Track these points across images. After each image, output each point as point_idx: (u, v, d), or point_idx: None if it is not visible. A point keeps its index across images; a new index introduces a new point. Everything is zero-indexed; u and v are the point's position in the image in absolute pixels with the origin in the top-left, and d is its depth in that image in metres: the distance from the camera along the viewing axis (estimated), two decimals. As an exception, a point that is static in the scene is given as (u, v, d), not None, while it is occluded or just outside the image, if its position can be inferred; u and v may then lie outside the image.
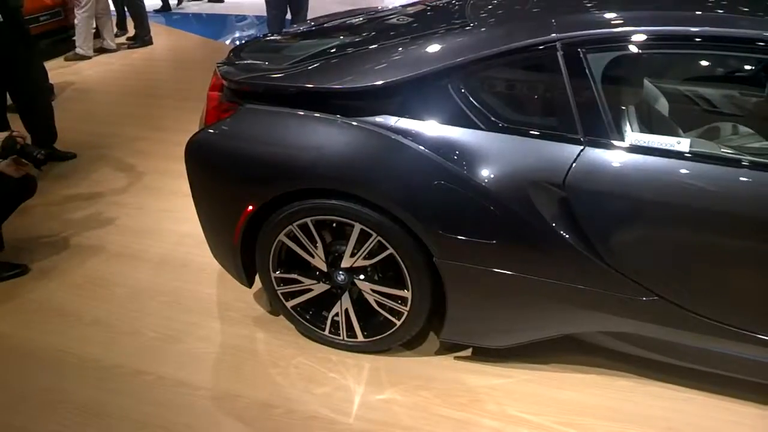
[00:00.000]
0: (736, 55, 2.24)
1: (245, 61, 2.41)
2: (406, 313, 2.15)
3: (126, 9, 7.34)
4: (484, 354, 2.25)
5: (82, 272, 2.90)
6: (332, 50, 2.29)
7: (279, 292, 2.30)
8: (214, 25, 8.84)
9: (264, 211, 2.14)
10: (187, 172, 2.30)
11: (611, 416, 2.01)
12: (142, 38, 7.09)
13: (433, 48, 2.05)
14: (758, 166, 1.75)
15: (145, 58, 6.83)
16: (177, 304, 2.65)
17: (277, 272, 2.26)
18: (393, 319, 2.19)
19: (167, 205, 3.50)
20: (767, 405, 2.02)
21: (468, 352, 2.29)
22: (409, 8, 2.74)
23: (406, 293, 2.10)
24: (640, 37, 1.83)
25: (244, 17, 8.94)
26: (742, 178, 1.74)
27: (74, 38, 6.57)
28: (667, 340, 1.96)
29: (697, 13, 1.90)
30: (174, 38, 7.77)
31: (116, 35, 7.27)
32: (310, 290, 2.27)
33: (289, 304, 2.32)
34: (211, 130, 2.23)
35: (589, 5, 2.13)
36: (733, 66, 2.70)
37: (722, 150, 1.93)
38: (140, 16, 7.06)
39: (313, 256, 2.18)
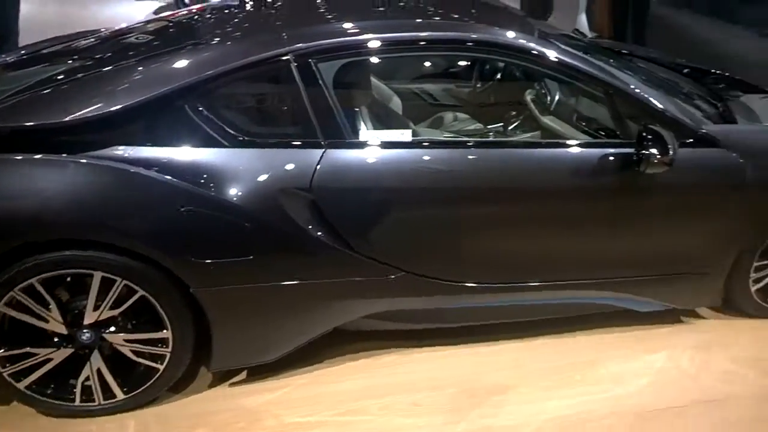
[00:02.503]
0: (451, 54, 2.72)
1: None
2: (169, 355, 2.00)
3: None
4: (259, 371, 2.23)
5: None
6: (57, 78, 2.03)
7: (6, 374, 1.91)
8: None
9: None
10: None
11: (381, 392, 2.20)
12: None
13: (166, 68, 1.98)
14: (479, 144, 2.17)
15: None
16: None
17: (1, 351, 1.87)
18: (155, 365, 2.02)
19: None
20: (511, 340, 2.44)
21: (243, 375, 2.25)
22: (149, 26, 2.56)
23: (166, 333, 1.97)
24: (366, 44, 2.07)
25: None
26: (469, 157, 2.10)
27: None
28: (420, 308, 2.24)
29: (417, 20, 2.23)
30: None
31: None
32: (49, 360, 1.93)
33: (23, 384, 1.94)
34: None
35: (320, 17, 2.31)
36: (450, 63, 3.29)
37: (445, 135, 2.30)
38: None
39: (47, 321, 1.87)
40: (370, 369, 2.31)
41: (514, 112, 2.85)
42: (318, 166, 1.95)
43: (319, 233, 1.98)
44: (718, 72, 3.32)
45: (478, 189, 2.11)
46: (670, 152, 2.02)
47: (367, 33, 2.09)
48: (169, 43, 2.24)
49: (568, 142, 2.29)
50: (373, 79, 2.65)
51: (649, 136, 2.06)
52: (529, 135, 2.62)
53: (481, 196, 2.12)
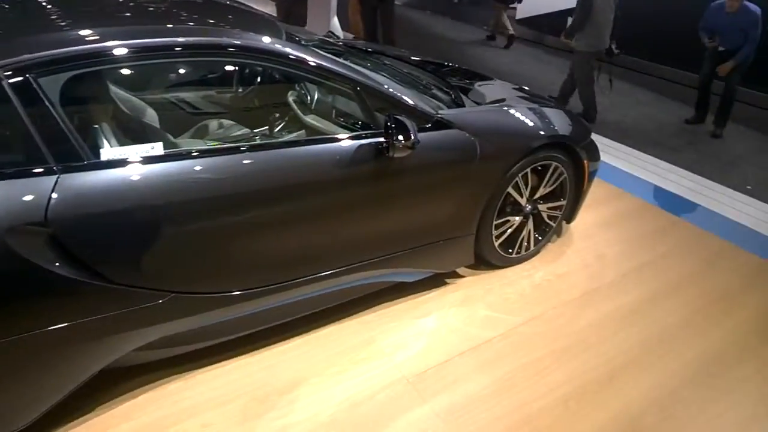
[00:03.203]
0: (208, 61, 2.56)
1: None
2: None
3: None
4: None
5: None
6: None
7: None
8: None
9: None
10: None
11: (169, 422, 2.06)
12: None
13: None
14: (254, 148, 2.10)
15: None
16: None
17: None
18: None
19: None
20: (296, 336, 2.48)
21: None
22: None
23: None
24: (101, 54, 1.84)
25: None
26: (237, 162, 2.02)
27: None
28: (196, 327, 2.12)
29: (168, 26, 2.04)
30: None
31: None
32: None
33: None
34: None
35: (45, 26, 2.00)
36: (208, 70, 3.10)
37: (210, 143, 2.17)
38: None
39: None
40: (154, 402, 2.15)
41: (278, 114, 2.86)
42: (52, 195, 1.71)
43: (65, 270, 1.75)
44: (451, 64, 3.76)
45: (245, 193, 2.05)
46: (412, 137, 2.23)
47: (103, 41, 1.87)
48: None
49: (330, 137, 2.38)
50: (120, 91, 2.43)
51: (393, 125, 2.25)
52: (294, 135, 2.66)
53: (251, 199, 2.07)
